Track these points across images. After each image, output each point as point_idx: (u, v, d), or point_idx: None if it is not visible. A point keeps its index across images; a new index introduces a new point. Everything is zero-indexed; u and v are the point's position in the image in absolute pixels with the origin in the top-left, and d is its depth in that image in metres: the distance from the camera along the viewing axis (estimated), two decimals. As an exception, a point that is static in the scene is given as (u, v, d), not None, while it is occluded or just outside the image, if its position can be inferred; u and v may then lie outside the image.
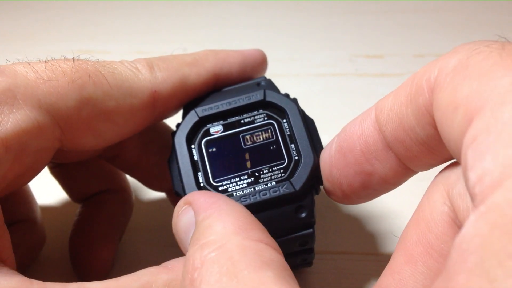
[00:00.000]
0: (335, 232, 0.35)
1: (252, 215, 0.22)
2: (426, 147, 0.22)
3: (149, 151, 0.33)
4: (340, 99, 0.47)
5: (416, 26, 0.56)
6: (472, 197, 0.16)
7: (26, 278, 0.20)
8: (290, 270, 0.20)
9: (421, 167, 0.23)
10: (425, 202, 0.22)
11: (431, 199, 0.22)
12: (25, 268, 0.32)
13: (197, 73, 0.29)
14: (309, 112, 0.30)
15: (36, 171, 0.26)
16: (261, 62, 0.33)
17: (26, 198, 0.32)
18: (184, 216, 0.23)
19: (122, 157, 0.32)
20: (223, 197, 0.23)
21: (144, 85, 0.27)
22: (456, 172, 0.21)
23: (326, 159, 0.26)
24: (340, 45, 0.54)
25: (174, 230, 0.24)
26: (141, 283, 0.22)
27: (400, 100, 0.22)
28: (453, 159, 0.22)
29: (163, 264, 0.24)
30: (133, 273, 0.23)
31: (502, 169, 0.14)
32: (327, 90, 0.49)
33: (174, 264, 0.24)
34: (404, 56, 0.52)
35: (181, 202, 0.24)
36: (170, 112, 0.31)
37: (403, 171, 0.24)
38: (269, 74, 0.33)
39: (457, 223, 0.21)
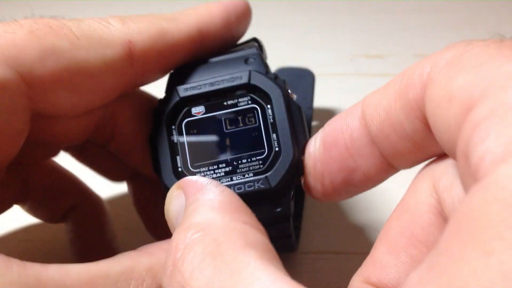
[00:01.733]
0: (335, 232, 0.35)
1: (240, 198, 0.22)
2: (411, 142, 0.22)
3: (145, 127, 0.30)
4: (340, 99, 0.47)
5: (416, 26, 0.56)
6: (474, 178, 0.15)
7: (4, 257, 0.19)
8: (275, 251, 0.20)
9: (404, 164, 0.23)
10: (410, 194, 0.22)
11: (416, 191, 0.22)
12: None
13: (177, 27, 0.27)
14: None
15: (17, 137, 0.24)
16: (245, 12, 0.30)
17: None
18: (176, 201, 0.23)
19: (117, 139, 0.30)
20: (213, 182, 0.23)
21: (116, 35, 0.25)
22: (442, 166, 0.21)
23: (310, 152, 0.25)
24: (340, 45, 0.54)
25: (166, 216, 0.23)
26: (123, 266, 0.21)
27: (389, 95, 0.22)
28: (436, 155, 0.22)
29: (142, 248, 0.23)
30: (112, 257, 0.22)
31: (505, 147, 0.14)
32: (327, 90, 0.49)
33: (154, 249, 0.23)
34: (404, 56, 0.52)
35: (174, 187, 0.23)
36: (154, 72, 0.28)
37: (385, 168, 0.24)
38: (269, 74, 0.33)
39: (442, 216, 0.21)
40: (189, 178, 0.24)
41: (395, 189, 0.26)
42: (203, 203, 0.21)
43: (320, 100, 0.47)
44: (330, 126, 0.25)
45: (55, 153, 0.32)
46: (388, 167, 0.24)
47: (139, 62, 0.26)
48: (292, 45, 0.55)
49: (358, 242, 0.35)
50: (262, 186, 0.25)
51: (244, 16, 0.30)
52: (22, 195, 0.31)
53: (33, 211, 0.33)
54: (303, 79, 0.44)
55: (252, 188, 0.25)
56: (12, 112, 0.23)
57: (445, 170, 0.21)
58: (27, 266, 0.19)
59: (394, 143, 0.22)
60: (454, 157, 0.18)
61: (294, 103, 0.27)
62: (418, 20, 0.57)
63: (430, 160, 0.23)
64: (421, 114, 0.20)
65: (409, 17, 0.57)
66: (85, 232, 0.32)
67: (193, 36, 0.28)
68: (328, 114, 0.45)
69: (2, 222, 0.35)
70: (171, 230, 0.23)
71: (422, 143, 0.21)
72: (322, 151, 0.25)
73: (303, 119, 0.27)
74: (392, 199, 0.35)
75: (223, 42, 0.30)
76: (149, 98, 0.31)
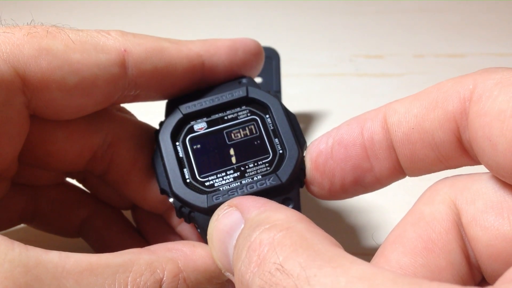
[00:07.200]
0: (334, 232, 0.35)
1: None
2: (435, 152, 0.23)
3: (143, 158, 0.30)
4: (340, 99, 0.47)
5: (416, 26, 0.56)
6: None
7: (7, 238, 0.20)
8: None
9: (415, 172, 0.24)
10: (425, 203, 0.23)
11: (433, 201, 0.23)
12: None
13: (177, 48, 0.28)
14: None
15: (15, 134, 0.25)
16: (255, 51, 0.30)
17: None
18: (227, 218, 0.22)
19: (113, 170, 0.30)
20: (269, 200, 0.23)
21: (112, 43, 0.26)
22: (463, 181, 0.22)
23: (321, 150, 0.26)
24: (340, 45, 0.54)
25: (210, 235, 0.23)
26: (123, 259, 0.22)
27: (421, 104, 0.23)
28: (449, 168, 0.24)
29: (145, 247, 0.24)
30: (116, 252, 0.22)
31: None
32: (327, 90, 0.49)
33: (156, 248, 0.24)
34: (404, 56, 0.52)
35: (223, 205, 0.23)
36: (149, 87, 0.28)
37: (395, 174, 0.25)
38: (269, 74, 0.33)
39: (459, 226, 0.21)
40: (242, 197, 0.24)
41: (391, 191, 0.27)
42: (275, 212, 0.21)
43: (320, 100, 0.47)
44: (348, 127, 0.25)
45: (58, 179, 0.32)
46: (398, 173, 0.25)
47: (133, 72, 0.26)
48: (292, 45, 0.55)
49: (355, 243, 0.35)
50: (274, 183, 0.26)
51: (253, 56, 0.30)
52: (29, 212, 0.31)
53: (42, 227, 0.33)
54: (268, 60, 0.42)
55: (264, 185, 0.26)
56: (9, 106, 0.24)
57: (466, 185, 0.22)
58: (29, 248, 0.20)
59: (418, 150, 0.23)
60: (501, 168, 0.20)
61: (289, 111, 0.29)
62: (418, 20, 0.57)
63: (445, 176, 0.24)
64: (455, 127, 0.22)
65: (409, 17, 0.57)
66: (108, 240, 0.32)
67: (193, 60, 0.28)
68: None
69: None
70: (215, 248, 0.23)
71: (445, 154, 0.23)
72: (338, 148, 0.25)
73: (299, 125, 0.29)
74: (389, 201, 0.35)
75: (227, 77, 0.30)
76: (149, 129, 0.31)
